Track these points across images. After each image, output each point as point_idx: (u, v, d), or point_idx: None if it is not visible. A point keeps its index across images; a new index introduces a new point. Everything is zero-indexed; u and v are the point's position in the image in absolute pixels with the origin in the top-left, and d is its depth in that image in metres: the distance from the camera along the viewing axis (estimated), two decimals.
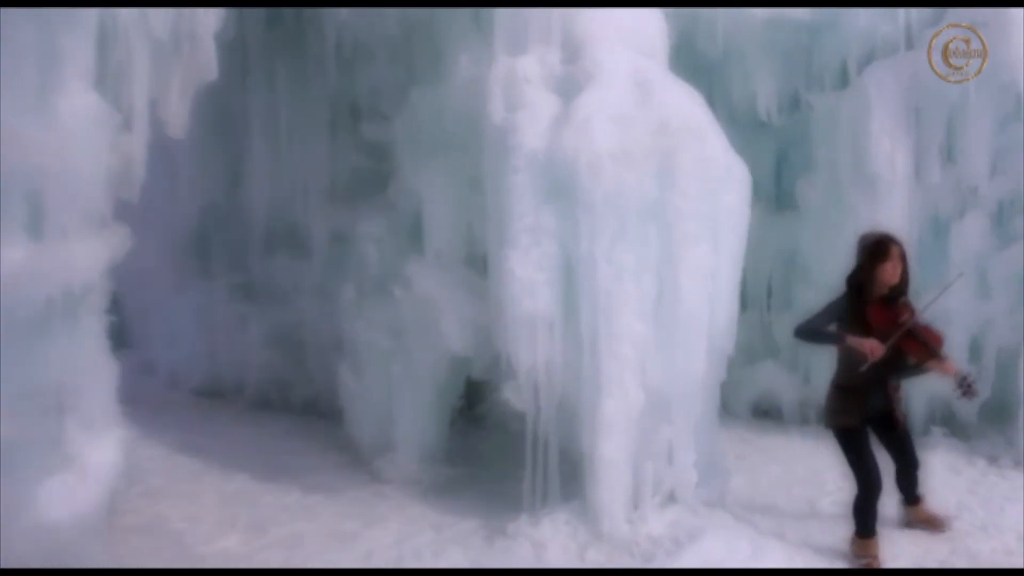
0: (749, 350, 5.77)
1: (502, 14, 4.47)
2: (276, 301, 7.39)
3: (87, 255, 3.36)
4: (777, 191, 6.48)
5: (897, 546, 4.16)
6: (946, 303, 5.17)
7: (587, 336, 4.12)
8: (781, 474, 5.29)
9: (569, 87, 4.26)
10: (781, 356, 6.14)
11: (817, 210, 5.67)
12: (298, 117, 6.52)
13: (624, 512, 4.19)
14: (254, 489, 5.39)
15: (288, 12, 6.21)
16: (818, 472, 5.12)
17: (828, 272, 5.36)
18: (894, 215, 5.41)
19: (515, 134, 4.22)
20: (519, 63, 4.39)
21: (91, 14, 3.29)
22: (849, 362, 3.94)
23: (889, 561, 3.96)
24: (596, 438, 4.15)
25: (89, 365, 3.47)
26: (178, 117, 3.92)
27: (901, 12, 5.70)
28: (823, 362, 5.46)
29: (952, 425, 5.67)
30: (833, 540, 4.21)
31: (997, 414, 5.52)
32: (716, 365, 4.24)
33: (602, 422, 4.12)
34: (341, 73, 6.06)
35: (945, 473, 5.11)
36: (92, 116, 3.30)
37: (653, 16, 4.63)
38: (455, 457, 5.53)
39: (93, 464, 3.41)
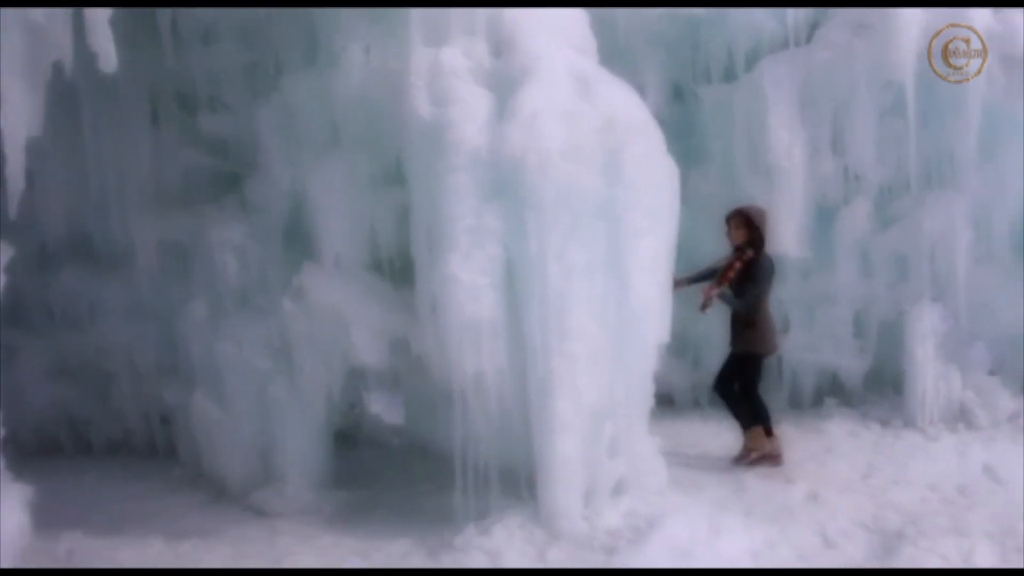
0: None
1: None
2: (61, 327, 6.24)
3: None
4: None
5: (831, 506, 4.58)
6: (834, 284, 6.15)
7: (537, 337, 4.04)
8: (699, 456, 5.55)
9: (503, 81, 4.13)
10: (671, 344, 6.38)
11: (711, 200, 5.94)
12: (107, 109, 5.52)
13: (580, 509, 4.19)
14: (99, 547, 4.52)
15: None
16: (732, 450, 5.46)
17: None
18: (789, 202, 5.88)
19: (451, 130, 4.01)
20: (443, 54, 4.17)
21: None
22: None
23: (827, 523, 4.32)
24: (549, 439, 4.10)
25: None
26: None
27: (789, 10, 6.07)
28: (711, 347, 5.97)
29: (841, 395, 6.29)
30: (772, 508, 4.56)
31: (880, 382, 6.20)
32: (654, 356, 4.39)
33: (555, 422, 4.07)
34: (167, 56, 5.25)
35: (846, 438, 5.69)
36: None
37: (578, 9, 4.64)
38: (346, 480, 5.11)
39: None
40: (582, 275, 4.05)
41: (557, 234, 3.99)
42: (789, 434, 5.75)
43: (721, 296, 5.13)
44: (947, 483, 4.82)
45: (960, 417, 5.80)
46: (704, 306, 5.18)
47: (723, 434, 5.83)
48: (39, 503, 4.79)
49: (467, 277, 3.99)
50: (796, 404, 6.38)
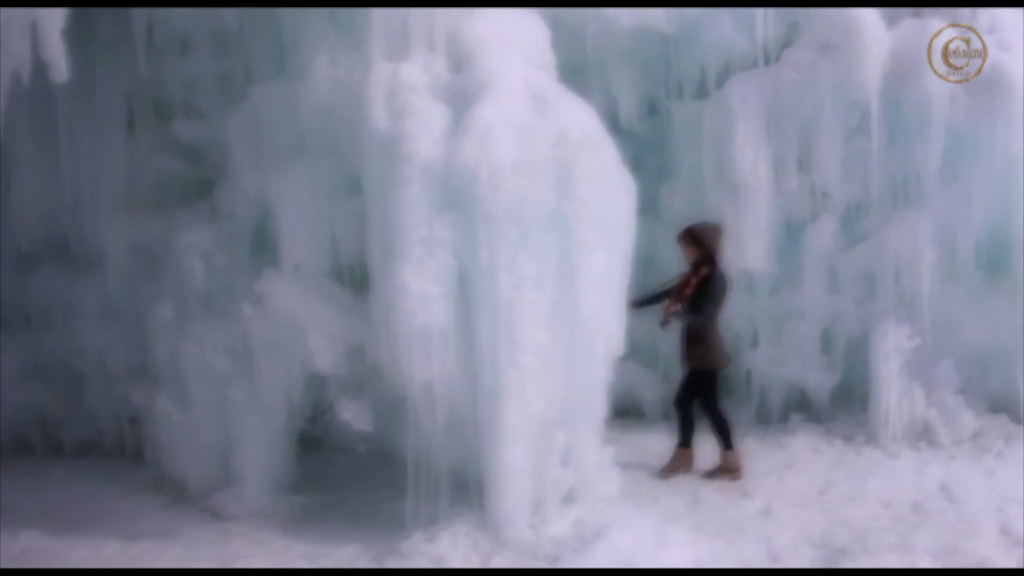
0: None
1: (378, 15, 4.31)
2: (36, 327, 6.31)
3: None
4: (637, 195, 6.82)
5: (783, 520, 4.63)
6: (802, 300, 6.21)
7: (487, 347, 4.11)
8: (659, 468, 5.54)
9: (460, 96, 4.21)
10: (641, 356, 6.44)
11: (679, 214, 6.03)
12: (83, 112, 5.61)
13: (526, 518, 4.24)
14: (53, 547, 4.57)
15: None
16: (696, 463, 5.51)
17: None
18: (755, 218, 5.95)
19: (406, 143, 4.09)
20: (402, 69, 4.26)
21: None
22: None
23: (776, 538, 4.37)
24: (497, 447, 4.15)
25: None
26: None
27: (759, 29, 6.15)
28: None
29: (808, 411, 6.32)
30: (723, 522, 4.62)
31: (847, 399, 6.22)
32: (608, 368, 4.44)
33: (503, 431, 4.13)
34: (144, 64, 5.35)
35: (808, 454, 5.73)
36: None
37: (539, 25, 4.73)
38: (306, 485, 5.16)
39: None
40: (532, 286, 4.11)
41: (507, 246, 4.05)
42: (753, 448, 5.80)
43: (677, 313, 5.22)
44: (902, 500, 4.85)
45: (923, 435, 5.82)
46: (664, 322, 5.26)
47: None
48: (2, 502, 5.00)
49: (418, 286, 4.05)
50: (764, 419, 6.41)
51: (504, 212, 4.04)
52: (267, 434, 4.94)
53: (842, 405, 6.27)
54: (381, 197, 4.17)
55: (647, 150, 6.79)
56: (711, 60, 6.37)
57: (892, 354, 5.78)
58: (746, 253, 6.00)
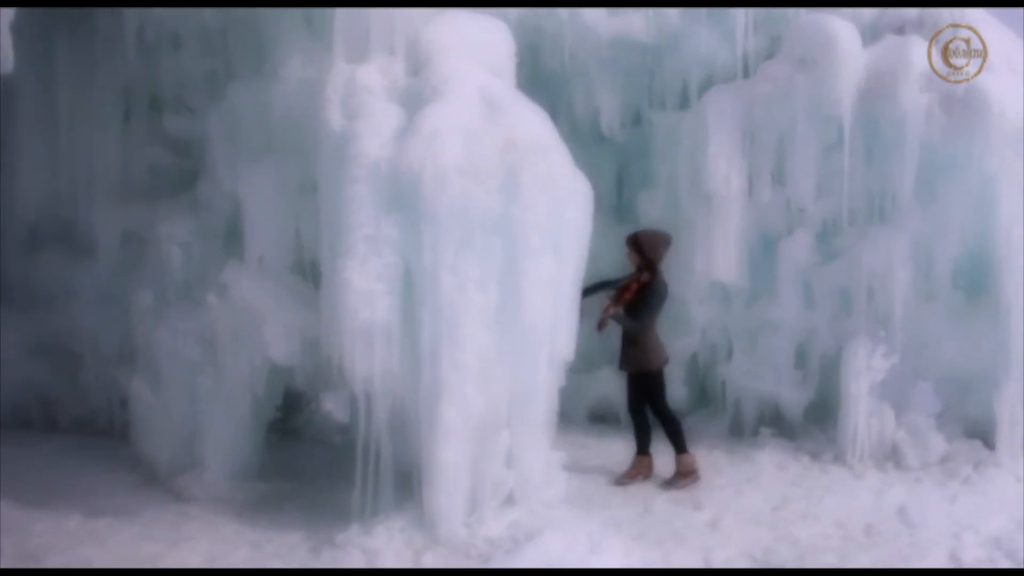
0: (588, 357, 5.92)
1: (341, 16, 4.41)
2: (41, 306, 6.60)
3: None
4: (618, 203, 6.84)
5: (728, 534, 4.60)
6: (776, 313, 6.14)
7: (428, 345, 4.17)
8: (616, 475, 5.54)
9: (414, 100, 4.29)
10: (615, 363, 6.42)
11: (656, 223, 6.00)
12: (82, 104, 5.87)
13: (462, 516, 4.29)
14: (19, 517, 4.78)
15: None
16: (661, 472, 5.50)
17: (671, 285, 5.74)
18: (727, 230, 5.92)
19: (356, 143, 4.18)
20: (360, 71, 4.36)
21: None
22: None
23: (715, 551, 4.37)
24: (434, 445, 4.21)
25: None
26: None
27: (739, 41, 6.13)
28: None
29: (781, 425, 6.22)
30: (667, 532, 4.61)
31: (821, 414, 6.10)
32: (555, 372, 4.47)
33: (441, 429, 4.18)
34: (139, 60, 5.58)
35: (773, 469, 5.64)
36: None
37: (501, 32, 4.79)
38: (272, 473, 5.30)
39: None
40: (476, 288, 4.16)
41: (450, 247, 4.12)
42: (720, 461, 5.76)
43: (615, 316, 5.25)
44: (855, 521, 4.76)
45: (891, 456, 5.69)
46: (601, 325, 5.25)
47: (658, 456, 5.83)
48: None
49: (362, 283, 4.14)
50: (737, 432, 6.34)
51: (448, 214, 4.10)
52: (231, 421, 5.09)
53: (816, 422, 6.16)
54: (331, 195, 4.27)
55: (630, 158, 6.80)
56: (693, 71, 6.36)
57: (863, 372, 5.66)
58: (717, 264, 5.95)
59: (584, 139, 6.53)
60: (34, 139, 5.99)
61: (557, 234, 4.31)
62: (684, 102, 6.49)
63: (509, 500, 4.47)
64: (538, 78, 6.09)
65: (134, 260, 5.85)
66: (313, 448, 6.15)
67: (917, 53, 5.62)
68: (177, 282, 5.34)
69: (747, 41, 6.08)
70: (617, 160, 6.89)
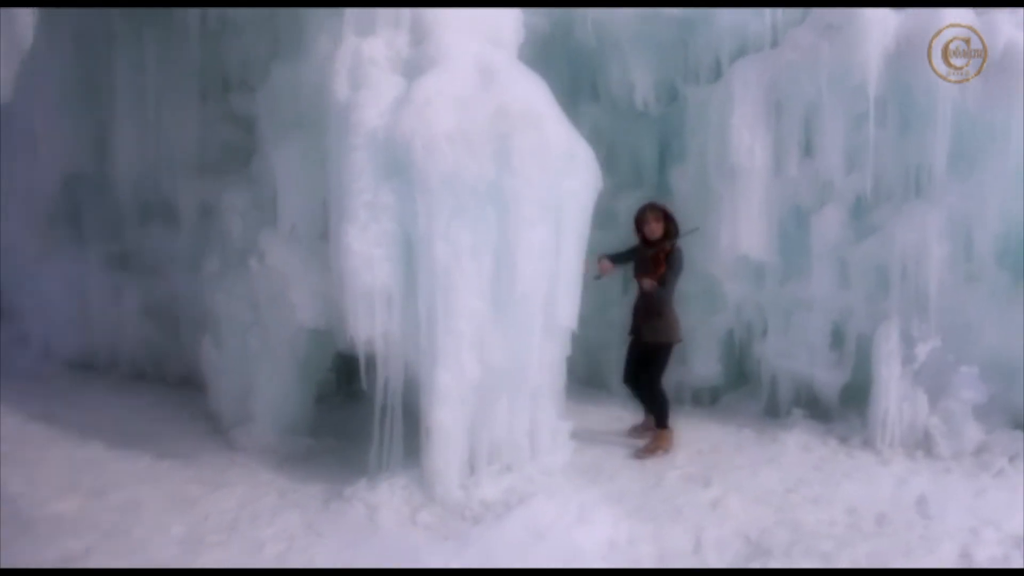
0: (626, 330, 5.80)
1: None
2: (151, 272, 7.33)
3: None
4: (660, 178, 6.67)
5: (729, 513, 4.44)
6: (809, 291, 5.80)
7: (425, 311, 4.28)
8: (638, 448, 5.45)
9: (414, 70, 4.39)
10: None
11: (688, 197, 5.90)
12: (168, 86, 6.44)
13: (458, 478, 4.39)
14: (104, 456, 5.41)
15: None
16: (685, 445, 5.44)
17: (699, 259, 5.69)
18: (752, 203, 5.67)
19: (356, 111, 4.33)
20: (366, 44, 4.50)
21: None
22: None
23: (709, 529, 4.24)
24: (431, 408, 4.33)
25: None
26: None
27: (768, 10, 5.88)
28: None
29: (816, 407, 5.92)
30: (667, 508, 4.50)
31: (857, 397, 5.76)
32: (558, 341, 4.44)
33: (437, 393, 4.30)
34: (211, 44, 6.04)
35: (796, 450, 5.39)
36: None
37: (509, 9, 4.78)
38: (322, 429, 5.64)
39: None
40: (470, 256, 4.21)
41: (443, 215, 4.18)
42: (747, 441, 5.57)
43: (653, 290, 5.16)
44: (869, 509, 4.46)
45: (922, 444, 5.23)
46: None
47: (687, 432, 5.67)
48: (79, 418, 5.98)
49: (362, 248, 4.30)
50: (772, 412, 6.02)
51: (440, 182, 4.16)
52: (277, 380, 5.45)
53: (852, 405, 5.74)
54: (335, 163, 4.45)
55: (670, 133, 6.58)
56: (725, 43, 6.06)
57: (893, 355, 5.18)
58: (743, 239, 5.62)
59: (623, 115, 6.38)
60: (130, 119, 6.62)
61: (556, 204, 4.26)
62: (717, 75, 6.21)
63: (508, 466, 4.51)
64: (572, 54, 5.98)
65: (208, 230, 6.36)
66: (366, 409, 6.44)
67: (949, 15, 5.04)
68: (237, 249, 5.74)
69: (777, 10, 5.77)
70: (658, 136, 6.67)
